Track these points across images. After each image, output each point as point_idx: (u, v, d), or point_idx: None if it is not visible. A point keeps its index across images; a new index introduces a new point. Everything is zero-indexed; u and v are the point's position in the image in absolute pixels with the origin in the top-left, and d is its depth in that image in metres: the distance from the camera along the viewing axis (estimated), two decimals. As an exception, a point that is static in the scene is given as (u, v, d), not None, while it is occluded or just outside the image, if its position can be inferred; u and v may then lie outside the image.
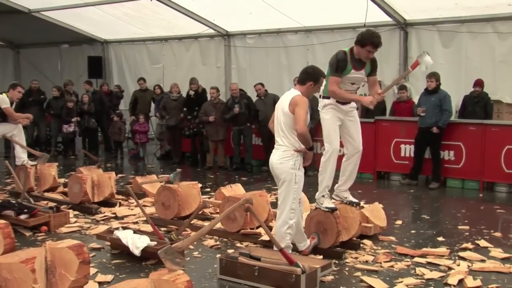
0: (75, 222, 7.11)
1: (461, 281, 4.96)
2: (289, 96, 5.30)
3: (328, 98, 5.85)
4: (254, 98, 11.59)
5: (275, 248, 5.06)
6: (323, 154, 5.88)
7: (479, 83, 9.95)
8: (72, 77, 16.07)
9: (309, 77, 5.35)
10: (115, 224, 6.95)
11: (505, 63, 10.36)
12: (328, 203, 5.83)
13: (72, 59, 17.61)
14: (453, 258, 5.69)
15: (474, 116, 9.77)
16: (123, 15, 13.76)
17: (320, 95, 5.91)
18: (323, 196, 5.87)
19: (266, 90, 11.23)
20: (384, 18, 11.12)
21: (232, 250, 5.76)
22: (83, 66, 16.35)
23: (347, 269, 5.37)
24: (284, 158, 5.25)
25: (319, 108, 5.97)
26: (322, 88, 5.66)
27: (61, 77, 16.75)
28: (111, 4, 13.08)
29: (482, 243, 6.22)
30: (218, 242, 6.27)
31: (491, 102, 10.10)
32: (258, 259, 4.96)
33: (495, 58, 10.44)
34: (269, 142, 11.28)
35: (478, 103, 9.95)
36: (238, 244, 6.18)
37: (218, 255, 5.36)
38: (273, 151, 5.40)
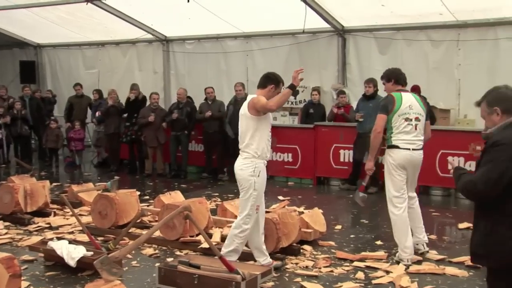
0: (6, 233, 6.83)
1: (398, 283, 5.05)
2: (247, 101, 5.30)
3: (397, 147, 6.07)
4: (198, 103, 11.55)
5: (215, 256, 4.99)
6: (394, 207, 6.11)
7: (416, 89, 10.11)
8: (3, 82, 15.42)
9: (270, 81, 5.34)
10: (49, 234, 6.72)
11: (438, 70, 10.66)
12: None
13: (1, 64, 16.92)
14: (390, 261, 5.79)
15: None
16: (57, 18, 13.34)
17: (387, 145, 6.14)
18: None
19: (215, 96, 11.20)
20: (323, 24, 11.26)
21: (171, 259, 5.66)
22: (14, 71, 15.76)
23: (287, 275, 5.37)
24: (244, 165, 5.22)
25: (390, 161, 6.14)
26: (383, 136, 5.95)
27: (-10, 82, 16.08)
28: (43, 7, 12.64)
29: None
30: (157, 251, 6.15)
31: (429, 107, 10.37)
32: (198, 267, 4.89)
33: (429, 65, 10.73)
34: (211, 149, 11.23)
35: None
36: (178, 252, 6.09)
37: (157, 264, 5.25)
38: (239, 156, 5.37)
